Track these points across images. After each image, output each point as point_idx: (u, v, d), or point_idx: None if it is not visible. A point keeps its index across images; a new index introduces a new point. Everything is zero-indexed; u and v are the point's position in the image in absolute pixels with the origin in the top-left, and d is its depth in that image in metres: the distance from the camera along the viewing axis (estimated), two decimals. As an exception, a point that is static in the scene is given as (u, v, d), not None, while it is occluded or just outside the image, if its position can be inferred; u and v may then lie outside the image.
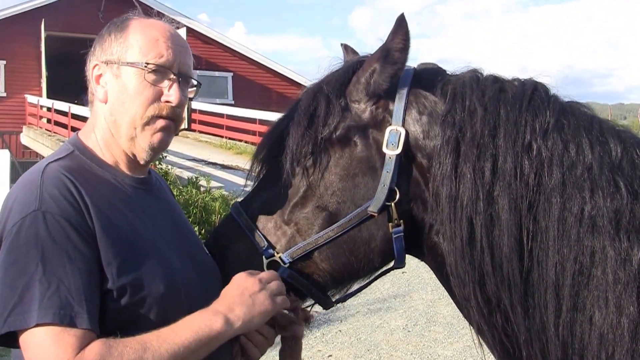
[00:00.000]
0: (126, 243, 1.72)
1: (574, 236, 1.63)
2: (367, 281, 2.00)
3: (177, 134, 1.99)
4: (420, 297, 9.12)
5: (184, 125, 23.87)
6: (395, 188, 1.81)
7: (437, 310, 8.50)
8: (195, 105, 27.05)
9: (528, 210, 1.67)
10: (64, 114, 23.29)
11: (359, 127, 1.87)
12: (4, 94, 27.82)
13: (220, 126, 25.97)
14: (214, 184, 14.30)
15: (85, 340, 1.56)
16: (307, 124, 1.87)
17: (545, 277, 1.65)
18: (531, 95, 1.78)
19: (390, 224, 1.82)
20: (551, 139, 1.70)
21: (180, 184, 13.32)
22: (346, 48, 2.20)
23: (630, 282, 1.58)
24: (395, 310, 8.67)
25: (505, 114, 1.75)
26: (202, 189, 13.34)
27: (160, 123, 1.84)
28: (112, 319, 1.67)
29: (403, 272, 9.48)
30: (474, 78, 1.86)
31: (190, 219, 10.34)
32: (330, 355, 7.23)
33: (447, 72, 1.95)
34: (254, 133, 23.63)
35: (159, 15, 2.06)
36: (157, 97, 1.83)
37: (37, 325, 1.54)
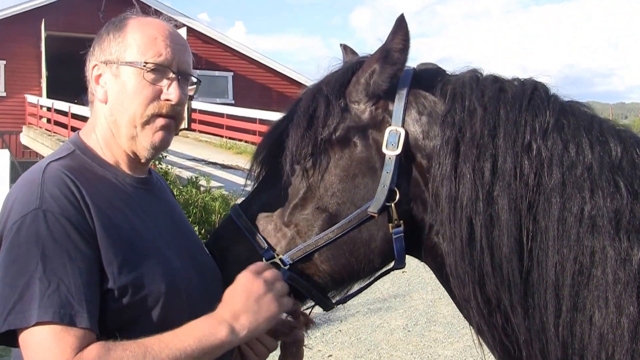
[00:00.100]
0: (127, 242, 1.72)
1: (574, 236, 1.63)
2: (367, 282, 2.00)
3: (177, 134, 1.99)
4: (421, 296, 9.12)
5: (184, 125, 23.87)
6: (395, 188, 1.80)
7: (438, 310, 8.51)
8: (195, 105, 27.05)
9: (528, 210, 1.67)
10: (64, 113, 23.30)
11: (359, 128, 1.86)
12: (4, 94, 27.83)
13: (220, 126, 25.97)
14: (214, 183, 14.31)
15: (85, 339, 1.56)
16: (307, 125, 1.86)
17: (545, 277, 1.65)
18: (531, 95, 1.78)
19: (390, 224, 1.82)
20: (551, 139, 1.70)
21: (180, 184, 13.33)
22: (345, 48, 2.20)
23: (630, 282, 1.58)
24: (395, 310, 8.67)
25: (505, 114, 1.74)
26: (202, 188, 13.35)
27: (161, 122, 1.83)
28: (112, 318, 1.66)
29: (403, 272, 9.48)
30: (474, 78, 1.85)
31: (190, 219, 10.35)
32: (330, 355, 7.23)
33: (447, 72, 1.95)
34: (254, 133, 23.62)
35: (157, 13, 2.05)
36: (157, 96, 1.82)
37: (37, 324, 1.54)
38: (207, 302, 1.75)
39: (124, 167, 1.89)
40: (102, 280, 1.66)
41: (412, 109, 1.85)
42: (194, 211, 11.57)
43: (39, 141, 23.87)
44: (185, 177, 14.50)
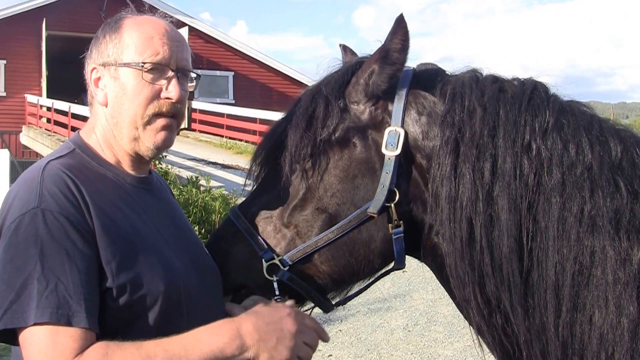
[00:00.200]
0: (126, 241, 1.71)
1: (574, 236, 1.63)
2: (367, 283, 1.99)
3: (177, 133, 1.98)
4: (421, 296, 9.12)
5: (184, 124, 23.86)
6: (395, 189, 1.80)
7: (438, 310, 8.51)
8: (195, 104, 27.07)
9: (528, 210, 1.67)
10: (64, 113, 23.28)
11: (358, 129, 1.86)
12: (4, 94, 27.83)
13: (220, 126, 25.98)
14: (214, 183, 14.30)
15: (84, 339, 1.55)
16: (306, 125, 1.86)
17: (545, 277, 1.65)
18: (530, 95, 1.78)
19: (390, 225, 1.82)
20: (551, 139, 1.70)
21: (180, 184, 13.33)
22: (345, 49, 2.19)
23: (630, 282, 1.58)
24: (395, 310, 8.67)
25: (504, 114, 1.74)
26: (202, 188, 13.34)
27: (162, 122, 1.83)
28: (111, 317, 1.66)
29: (404, 272, 9.47)
30: (474, 78, 1.85)
31: (190, 219, 10.35)
32: (330, 355, 7.22)
33: (447, 73, 1.95)
34: (254, 132, 23.62)
35: (152, 10, 2.02)
36: (157, 95, 1.82)
37: (35, 324, 1.54)
38: (206, 302, 1.74)
39: (125, 166, 1.88)
40: (101, 279, 1.65)
41: (411, 109, 1.84)
42: (194, 211, 11.57)
43: (39, 141, 23.86)
44: (185, 177, 14.49)
